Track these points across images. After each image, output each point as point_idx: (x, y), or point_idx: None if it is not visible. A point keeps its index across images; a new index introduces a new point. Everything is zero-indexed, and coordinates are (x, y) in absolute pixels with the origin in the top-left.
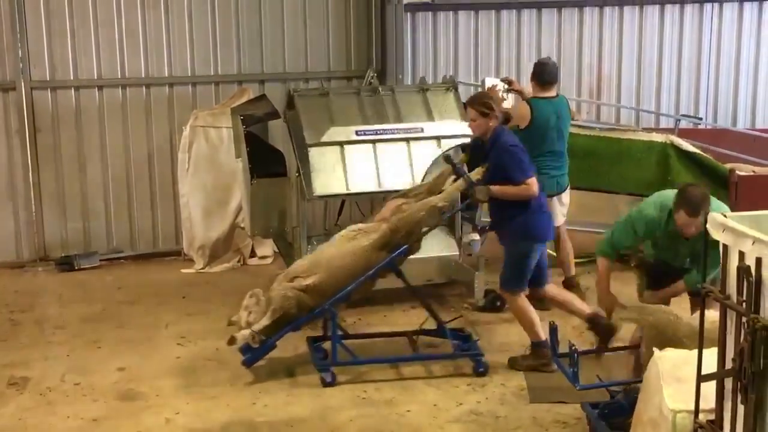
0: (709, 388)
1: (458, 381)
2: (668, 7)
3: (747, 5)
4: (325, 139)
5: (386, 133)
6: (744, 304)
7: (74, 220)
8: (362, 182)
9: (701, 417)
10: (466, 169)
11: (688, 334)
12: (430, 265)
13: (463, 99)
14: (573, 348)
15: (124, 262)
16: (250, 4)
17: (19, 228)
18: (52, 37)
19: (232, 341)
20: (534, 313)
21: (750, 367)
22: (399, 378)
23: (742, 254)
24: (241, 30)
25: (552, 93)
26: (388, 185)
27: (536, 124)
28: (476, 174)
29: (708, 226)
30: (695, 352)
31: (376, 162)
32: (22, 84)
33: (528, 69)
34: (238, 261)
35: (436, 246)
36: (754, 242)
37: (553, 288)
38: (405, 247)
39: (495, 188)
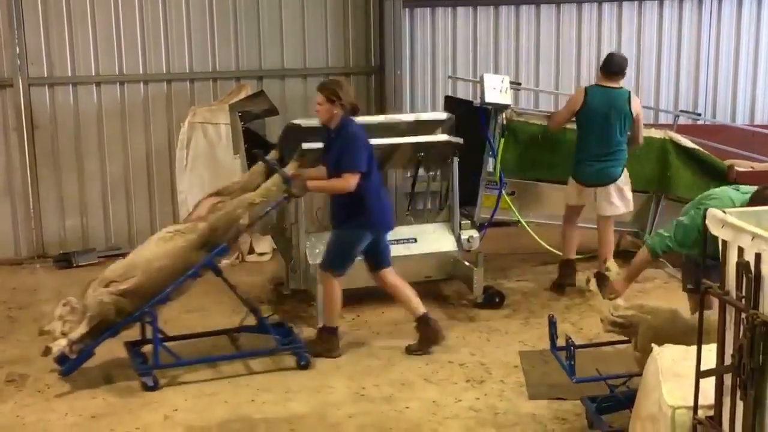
0: (708, 384)
1: (457, 377)
2: (667, 3)
3: (746, 1)
4: None
5: None
6: (743, 300)
7: (72, 217)
8: None
9: (700, 413)
10: (303, 164)
11: (686, 331)
12: (429, 261)
13: (462, 95)
14: (570, 341)
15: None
16: (248, 1)
17: (17, 225)
18: (50, 33)
19: (47, 352)
20: (338, 301)
21: (749, 363)
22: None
23: (741, 250)
24: (239, 26)
25: (614, 84)
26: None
27: (586, 109)
28: (291, 168)
29: (707, 221)
30: (694, 348)
31: None
32: (20, 81)
33: (527, 65)
34: (237, 257)
35: (435, 243)
36: (753, 238)
37: (391, 275)
38: (224, 245)
39: (311, 183)
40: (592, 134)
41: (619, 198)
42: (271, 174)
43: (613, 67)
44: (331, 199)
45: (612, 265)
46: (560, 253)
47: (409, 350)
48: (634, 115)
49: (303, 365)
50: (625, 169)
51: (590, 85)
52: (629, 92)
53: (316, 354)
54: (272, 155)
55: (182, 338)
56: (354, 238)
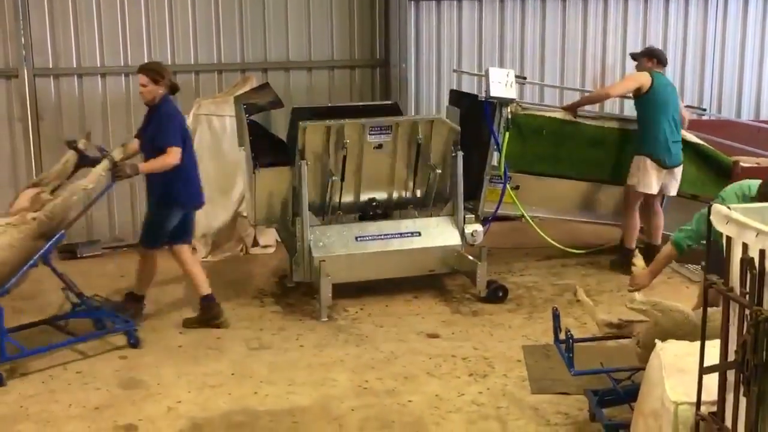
0: (712, 380)
1: (460, 371)
2: None
3: None
4: None
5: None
6: (747, 296)
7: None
8: None
9: (703, 409)
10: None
11: (693, 332)
12: (433, 255)
13: (467, 89)
14: (569, 334)
15: (126, 250)
16: None
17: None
18: (55, 24)
19: None
20: (154, 273)
21: (752, 360)
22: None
23: (745, 246)
24: (245, 18)
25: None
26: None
27: (656, 91)
28: (118, 153)
29: (711, 217)
30: (697, 343)
31: None
32: (25, 71)
33: (532, 59)
34: (241, 250)
35: (438, 236)
36: (757, 234)
37: (187, 252)
38: (62, 233)
39: (142, 165)
40: (666, 112)
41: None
42: (84, 161)
43: (665, 57)
44: (147, 178)
45: (638, 260)
46: (562, 248)
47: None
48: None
49: (132, 344)
50: None
51: (656, 72)
52: None
53: (210, 325)
54: (83, 144)
55: (21, 329)
56: (165, 215)
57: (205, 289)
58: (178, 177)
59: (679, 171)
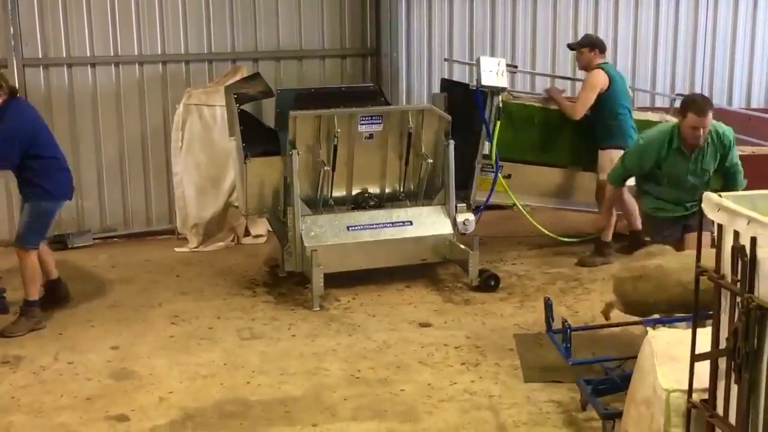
0: (703, 368)
1: (452, 360)
2: None
3: None
4: None
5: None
6: (738, 283)
7: None
8: None
9: (695, 396)
10: None
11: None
12: (425, 244)
13: (458, 78)
14: (566, 324)
15: (117, 240)
16: None
17: (12, 206)
18: (45, 14)
19: None
20: (38, 273)
21: (744, 347)
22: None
23: (737, 234)
24: (235, 7)
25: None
26: None
27: (615, 85)
28: None
29: (703, 205)
30: (689, 331)
31: None
32: (14, 61)
33: (523, 48)
34: (232, 240)
35: (430, 225)
36: (749, 222)
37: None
38: None
39: None
40: (625, 102)
41: None
42: None
43: (604, 45)
44: (17, 176)
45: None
46: (554, 236)
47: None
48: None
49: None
50: None
51: (602, 63)
52: None
53: (28, 330)
54: None
55: None
56: (47, 209)
57: (36, 295)
58: (53, 168)
59: None
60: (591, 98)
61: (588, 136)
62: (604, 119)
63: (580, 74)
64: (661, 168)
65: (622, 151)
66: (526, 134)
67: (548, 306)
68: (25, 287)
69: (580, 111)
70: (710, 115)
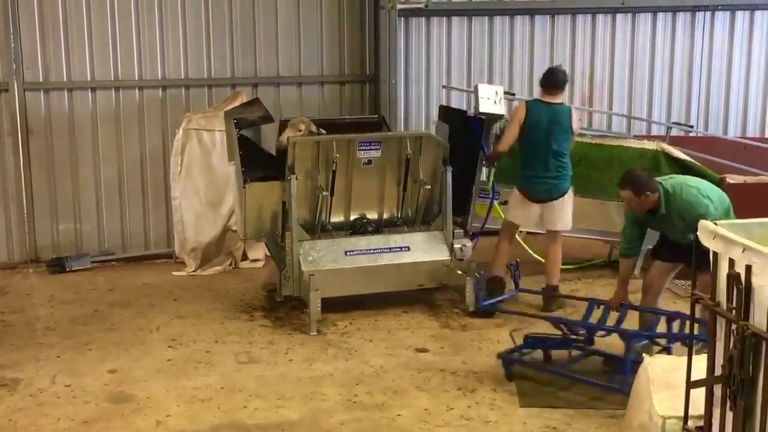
0: (699, 395)
1: (449, 386)
2: (660, 15)
3: (739, 14)
4: None
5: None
6: (733, 311)
7: (66, 222)
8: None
9: (690, 423)
10: None
11: None
12: (422, 270)
13: (456, 105)
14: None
15: (115, 264)
16: (244, 8)
17: (11, 229)
18: (46, 38)
19: None
20: None
21: (739, 374)
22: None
23: (732, 262)
24: (235, 34)
25: (555, 99)
26: None
27: (527, 124)
28: None
29: (699, 233)
30: (685, 358)
31: None
32: (15, 85)
33: (521, 75)
34: (230, 264)
35: (428, 251)
36: (744, 250)
37: None
38: None
39: None
40: (532, 147)
41: (555, 210)
42: None
43: (551, 81)
44: None
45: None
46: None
47: None
48: (574, 130)
49: None
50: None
51: (532, 99)
52: (570, 108)
53: None
54: None
55: None
56: None
57: None
58: None
59: (559, 204)
60: (513, 129)
61: (582, 165)
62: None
63: (577, 101)
64: (651, 226)
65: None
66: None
67: (513, 266)
68: None
69: (504, 143)
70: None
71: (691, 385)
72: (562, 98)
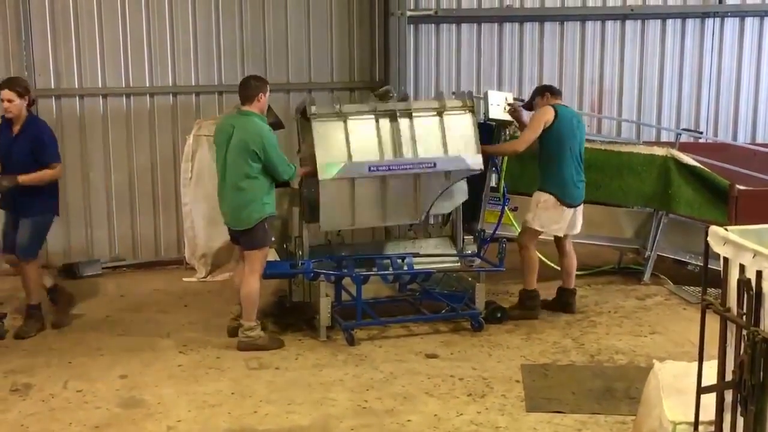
0: (709, 400)
1: (459, 391)
2: (669, 22)
3: (748, 20)
4: (337, 176)
5: (398, 168)
6: (744, 317)
7: (77, 228)
8: (368, 218)
9: (701, 429)
10: None
11: None
12: (432, 276)
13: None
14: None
15: (126, 270)
16: (254, 16)
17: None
18: (58, 45)
19: None
20: (40, 280)
21: (750, 380)
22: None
23: (742, 267)
24: (245, 40)
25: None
26: (392, 220)
27: (562, 127)
28: None
29: (709, 239)
30: (695, 364)
31: (384, 198)
32: None
33: (530, 81)
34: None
35: (437, 258)
36: (754, 255)
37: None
38: None
39: (23, 177)
40: (568, 151)
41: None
42: None
43: (557, 89)
44: (16, 191)
45: None
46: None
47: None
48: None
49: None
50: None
51: (556, 103)
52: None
53: (37, 330)
54: None
55: None
56: (49, 222)
57: (36, 300)
58: (54, 185)
59: (581, 207)
60: (536, 129)
61: (593, 171)
62: (544, 158)
63: (587, 108)
64: None
65: (550, 196)
66: (533, 167)
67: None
68: (30, 294)
69: (520, 143)
70: None
71: (701, 390)
72: None
